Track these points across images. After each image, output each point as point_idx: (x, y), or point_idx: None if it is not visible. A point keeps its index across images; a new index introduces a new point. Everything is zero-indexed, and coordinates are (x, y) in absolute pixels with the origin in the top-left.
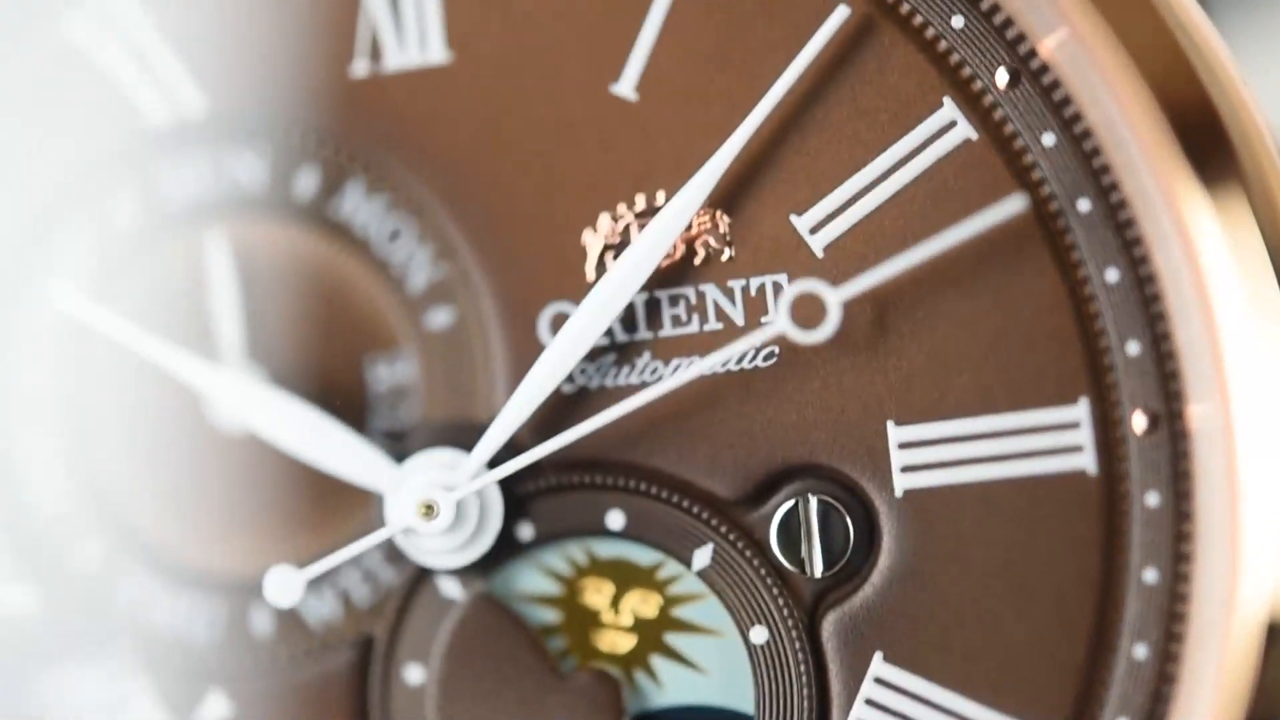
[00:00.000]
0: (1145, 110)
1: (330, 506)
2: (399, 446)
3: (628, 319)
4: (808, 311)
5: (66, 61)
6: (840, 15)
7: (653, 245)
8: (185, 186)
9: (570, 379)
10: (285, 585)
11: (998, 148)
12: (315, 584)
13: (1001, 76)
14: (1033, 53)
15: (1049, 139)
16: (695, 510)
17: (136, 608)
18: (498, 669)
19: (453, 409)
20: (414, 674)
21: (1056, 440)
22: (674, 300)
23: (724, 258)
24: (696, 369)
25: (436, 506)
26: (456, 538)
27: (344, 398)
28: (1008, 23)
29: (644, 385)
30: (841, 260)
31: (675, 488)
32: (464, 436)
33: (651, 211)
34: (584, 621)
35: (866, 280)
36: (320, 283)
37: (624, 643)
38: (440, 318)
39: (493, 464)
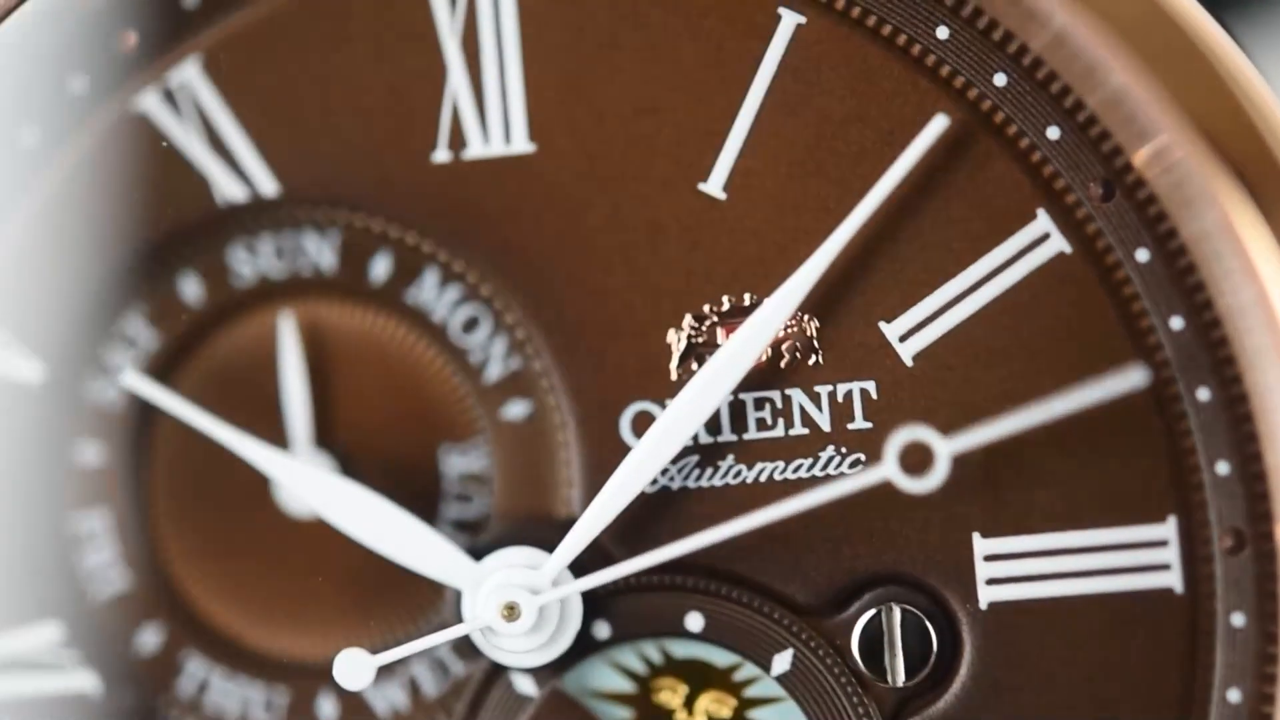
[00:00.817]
0: (1244, 222)
1: (402, 597)
2: (471, 538)
3: (711, 421)
4: (917, 459)
5: (136, 133)
6: (939, 125)
7: (743, 349)
8: (256, 265)
9: (653, 479)
10: (356, 668)
11: (1091, 261)
12: (383, 672)
13: (1095, 189)
14: (1128, 166)
15: (1143, 255)
16: (775, 615)
17: (197, 691)
18: None
19: (528, 503)
20: None
21: (1144, 558)
22: (759, 403)
23: (811, 362)
24: (795, 505)
25: (519, 609)
26: (536, 639)
27: (415, 486)
28: (1104, 135)
29: (727, 487)
30: (931, 372)
31: (756, 592)
32: (541, 532)
33: (737, 313)
34: None
35: (981, 435)
36: (393, 368)
37: None
38: (517, 410)
39: (575, 566)
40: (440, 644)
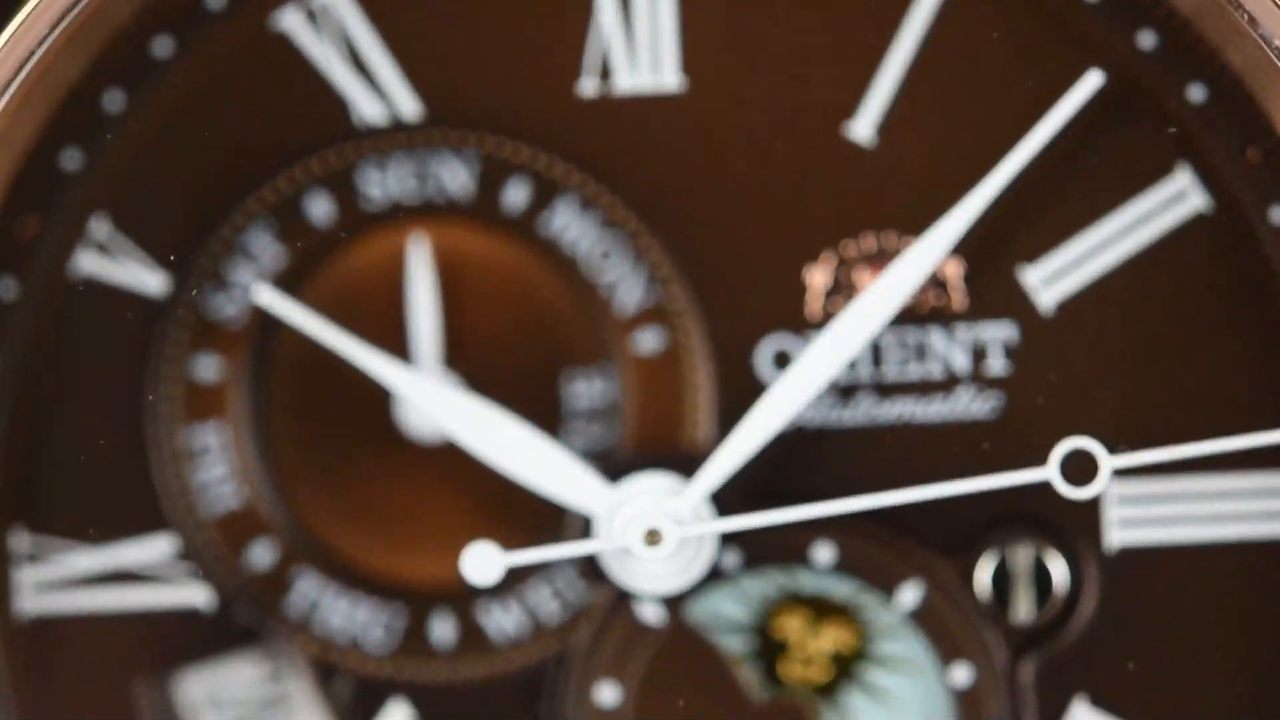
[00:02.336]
0: None
1: (526, 522)
2: (599, 466)
3: None
4: (1079, 467)
5: (274, 50)
6: (1093, 81)
7: (890, 291)
8: (389, 187)
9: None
10: (484, 563)
11: (1229, 221)
12: (502, 597)
13: (1237, 150)
14: (1270, 128)
15: (1277, 214)
16: (904, 550)
17: (308, 610)
18: (693, 695)
19: (656, 436)
20: (607, 696)
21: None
22: (898, 343)
23: (951, 303)
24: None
25: (661, 534)
26: (672, 565)
27: (539, 414)
28: (1247, 97)
29: (861, 426)
30: (1072, 320)
31: (885, 525)
32: (669, 463)
33: (882, 254)
34: (779, 652)
35: (1144, 457)
36: (522, 297)
37: (818, 675)
38: (649, 341)
39: (715, 500)
40: (571, 560)
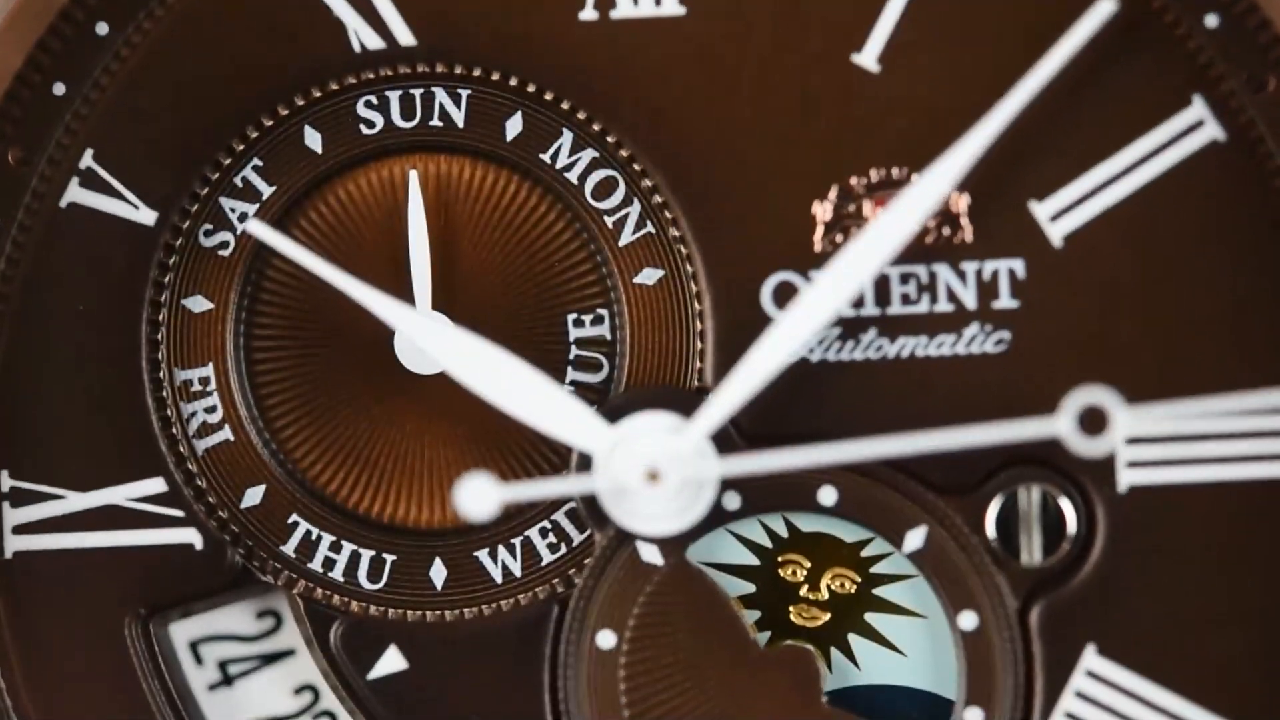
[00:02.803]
0: None
1: (523, 462)
2: (598, 404)
3: None
4: (1093, 421)
5: None
6: (1105, 9)
7: (896, 224)
8: (384, 117)
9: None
10: (480, 496)
11: (1244, 151)
12: (503, 537)
13: (1251, 79)
14: None
15: None
16: (911, 491)
17: (301, 550)
18: (693, 638)
19: (656, 373)
20: (606, 638)
21: None
22: (904, 278)
23: (958, 238)
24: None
25: (661, 473)
26: (672, 505)
27: (538, 350)
28: (1262, 25)
29: (867, 361)
30: (1081, 254)
31: (890, 468)
32: (670, 401)
33: (887, 186)
34: (781, 595)
35: (1160, 411)
36: (520, 229)
37: (821, 619)
38: (650, 277)
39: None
40: (571, 501)
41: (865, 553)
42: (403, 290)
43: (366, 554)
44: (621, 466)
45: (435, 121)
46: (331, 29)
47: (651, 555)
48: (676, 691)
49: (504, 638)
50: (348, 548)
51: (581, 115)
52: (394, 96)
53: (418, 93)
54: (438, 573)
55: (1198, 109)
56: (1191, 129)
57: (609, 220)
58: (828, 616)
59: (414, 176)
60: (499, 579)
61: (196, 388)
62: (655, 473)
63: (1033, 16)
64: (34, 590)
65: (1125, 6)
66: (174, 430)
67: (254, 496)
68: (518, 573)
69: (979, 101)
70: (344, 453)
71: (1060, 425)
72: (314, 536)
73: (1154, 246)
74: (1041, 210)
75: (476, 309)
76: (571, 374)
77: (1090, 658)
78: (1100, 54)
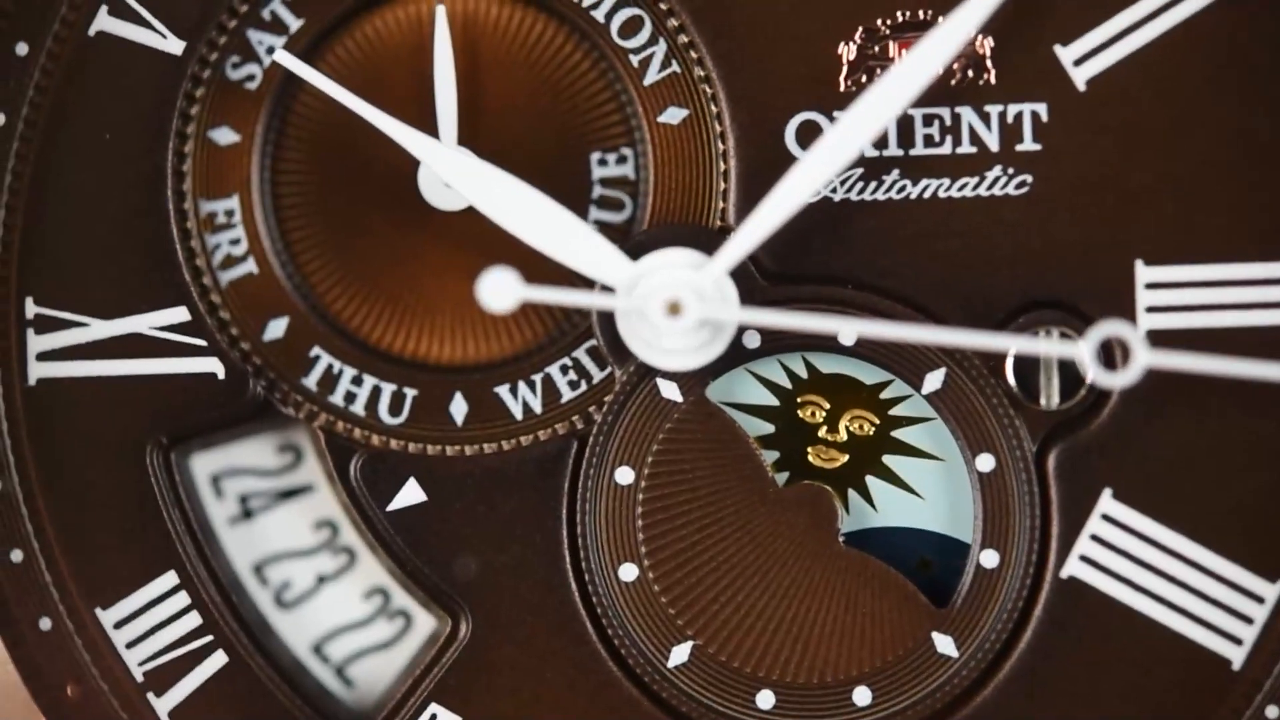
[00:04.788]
0: None
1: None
2: (620, 242)
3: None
4: (1113, 352)
5: None
6: None
7: (920, 64)
8: None
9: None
10: (500, 289)
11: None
12: (523, 374)
13: None
14: None
15: None
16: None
17: (324, 382)
18: (711, 476)
19: (679, 211)
20: (625, 474)
21: None
22: (928, 120)
23: (982, 81)
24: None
25: (682, 305)
26: (692, 340)
27: (561, 188)
28: None
29: (890, 202)
30: (1105, 98)
31: (912, 308)
32: (692, 238)
33: (912, 27)
34: (800, 437)
35: (1179, 361)
36: (545, 68)
37: (839, 461)
38: (674, 115)
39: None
40: (592, 337)
41: (884, 395)
42: (428, 127)
43: (388, 388)
44: (643, 298)
45: None
46: None
47: (671, 392)
48: (694, 529)
49: (523, 473)
50: (369, 381)
51: None
52: None
53: None
54: (458, 408)
55: None
56: None
57: (634, 59)
58: (846, 458)
59: (441, 12)
60: (519, 415)
61: (222, 220)
62: (676, 304)
63: None
64: (57, 417)
65: None
66: (198, 261)
67: (277, 329)
68: (538, 409)
69: None
70: (367, 287)
71: (1082, 351)
72: (336, 370)
73: (1177, 93)
74: (1066, 54)
75: (501, 147)
76: (595, 213)
77: (1106, 501)
78: None
